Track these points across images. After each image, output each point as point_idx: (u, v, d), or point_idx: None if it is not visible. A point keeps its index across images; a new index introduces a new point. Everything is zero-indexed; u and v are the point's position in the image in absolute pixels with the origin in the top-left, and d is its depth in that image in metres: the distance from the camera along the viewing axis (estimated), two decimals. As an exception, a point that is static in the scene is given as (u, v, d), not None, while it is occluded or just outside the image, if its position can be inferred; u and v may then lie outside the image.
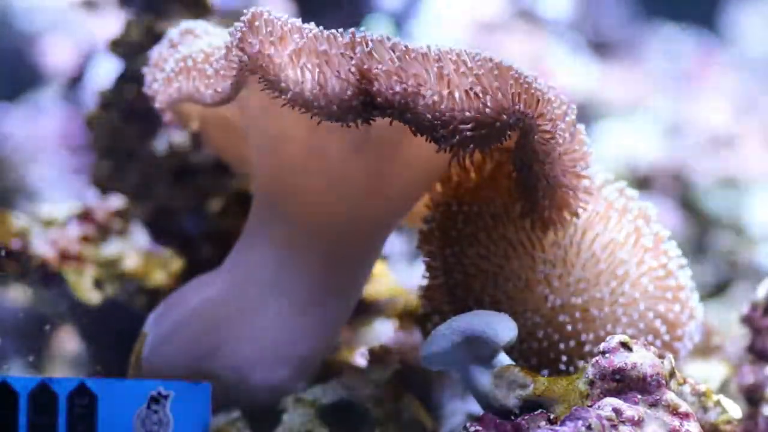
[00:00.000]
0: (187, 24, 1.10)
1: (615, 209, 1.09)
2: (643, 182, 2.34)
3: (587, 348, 1.06)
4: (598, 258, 1.06)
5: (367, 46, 0.88)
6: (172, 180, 1.38)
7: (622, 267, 1.07)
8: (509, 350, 0.93)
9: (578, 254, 1.06)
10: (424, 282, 1.10)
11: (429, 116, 0.86)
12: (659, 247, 1.10)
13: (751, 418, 1.18)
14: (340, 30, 0.90)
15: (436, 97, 0.86)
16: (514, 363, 0.92)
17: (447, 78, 0.87)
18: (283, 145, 1.04)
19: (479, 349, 0.92)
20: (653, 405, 0.87)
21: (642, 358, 0.88)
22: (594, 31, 2.89)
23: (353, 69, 0.87)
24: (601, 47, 2.86)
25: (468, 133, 0.87)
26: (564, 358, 1.06)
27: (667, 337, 1.09)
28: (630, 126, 2.59)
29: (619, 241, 1.07)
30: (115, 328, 1.30)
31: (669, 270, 1.10)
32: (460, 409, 1.18)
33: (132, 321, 1.18)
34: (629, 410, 0.85)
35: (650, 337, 1.07)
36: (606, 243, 1.07)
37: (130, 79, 1.37)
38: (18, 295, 1.33)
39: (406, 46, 0.88)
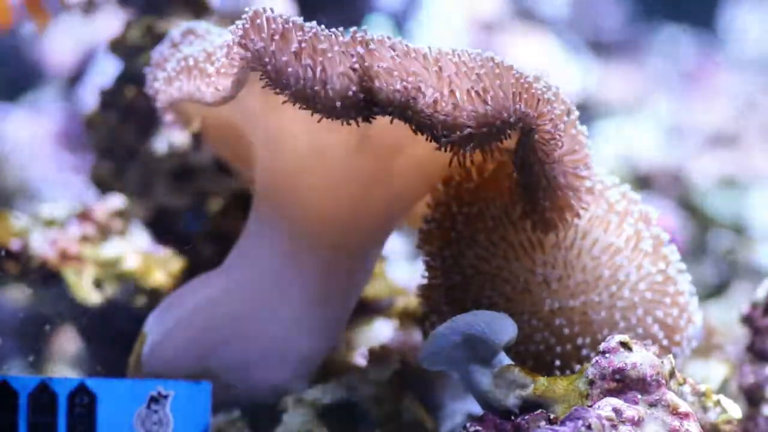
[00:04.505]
0: (188, 24, 1.10)
1: (616, 212, 1.08)
2: (643, 182, 2.34)
3: (584, 352, 1.06)
4: (599, 261, 1.06)
5: (368, 45, 0.88)
6: (172, 180, 1.38)
7: (622, 271, 1.07)
8: (506, 351, 0.93)
9: (578, 257, 1.06)
10: (423, 281, 1.10)
11: (429, 114, 0.87)
12: (659, 252, 1.10)
13: (751, 418, 1.17)
14: (341, 29, 0.91)
15: (436, 96, 0.86)
16: (513, 363, 0.92)
17: (448, 77, 0.87)
18: (284, 144, 1.04)
19: (479, 349, 0.91)
20: (653, 405, 0.87)
21: (642, 358, 0.88)
22: (594, 31, 2.89)
23: (355, 66, 0.87)
24: (601, 47, 2.86)
25: (468, 131, 0.87)
26: (560, 362, 1.06)
27: (665, 342, 1.09)
28: (630, 126, 2.59)
29: (619, 245, 1.07)
30: (115, 328, 1.30)
31: (668, 275, 1.09)
32: (460, 409, 1.18)
33: (132, 321, 1.18)
34: (629, 410, 0.85)
35: (648, 342, 1.07)
36: (606, 246, 1.07)
37: (130, 79, 1.37)
38: (18, 295, 1.33)
39: (407, 46, 0.88)
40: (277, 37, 0.89)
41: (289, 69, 0.88)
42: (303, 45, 0.88)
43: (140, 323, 1.13)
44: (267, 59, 0.89)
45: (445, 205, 1.07)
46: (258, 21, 0.91)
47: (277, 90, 0.90)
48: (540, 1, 2.61)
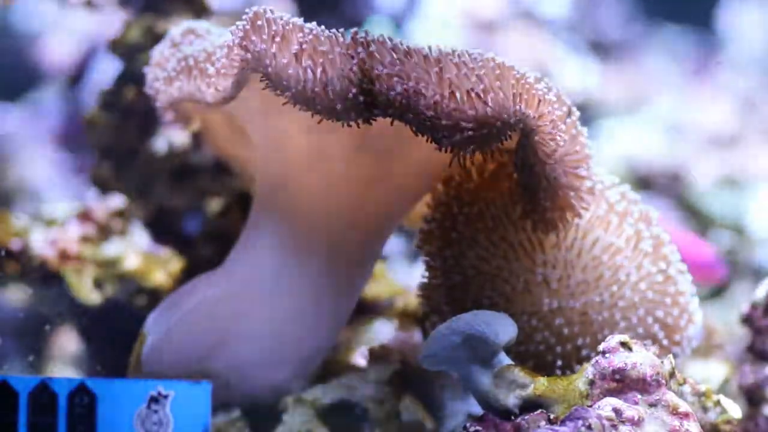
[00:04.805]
0: (189, 24, 1.10)
1: (616, 212, 1.08)
2: (643, 182, 2.34)
3: (584, 352, 1.06)
4: (599, 261, 1.06)
5: (368, 47, 0.88)
6: (172, 180, 1.38)
7: (623, 271, 1.07)
8: (507, 351, 0.93)
9: (579, 257, 1.06)
10: (423, 281, 1.10)
11: (430, 116, 0.87)
12: (659, 252, 1.10)
13: (751, 418, 1.17)
14: (341, 30, 0.91)
15: (437, 97, 0.86)
16: (513, 363, 0.92)
17: (448, 78, 0.87)
18: (284, 144, 1.04)
19: (479, 349, 0.91)
20: (653, 405, 0.87)
21: (642, 358, 0.88)
22: (594, 31, 2.89)
23: (355, 69, 0.87)
24: (601, 47, 2.86)
25: (468, 133, 0.87)
26: (560, 362, 1.06)
27: (665, 342, 1.09)
28: (630, 126, 2.59)
29: (619, 245, 1.07)
30: (115, 328, 1.30)
31: (668, 275, 1.09)
32: (461, 409, 1.18)
33: (132, 321, 1.18)
34: (629, 410, 0.85)
35: (648, 342, 1.07)
36: (606, 246, 1.07)
37: (130, 79, 1.37)
38: (18, 295, 1.33)
39: (407, 47, 0.88)
40: (277, 38, 0.89)
41: (290, 70, 0.88)
42: (303, 46, 0.88)
43: (140, 323, 1.13)
44: (267, 61, 0.89)
45: (445, 205, 1.07)
46: (258, 22, 0.90)
47: (278, 91, 0.90)
48: (540, 1, 2.61)
